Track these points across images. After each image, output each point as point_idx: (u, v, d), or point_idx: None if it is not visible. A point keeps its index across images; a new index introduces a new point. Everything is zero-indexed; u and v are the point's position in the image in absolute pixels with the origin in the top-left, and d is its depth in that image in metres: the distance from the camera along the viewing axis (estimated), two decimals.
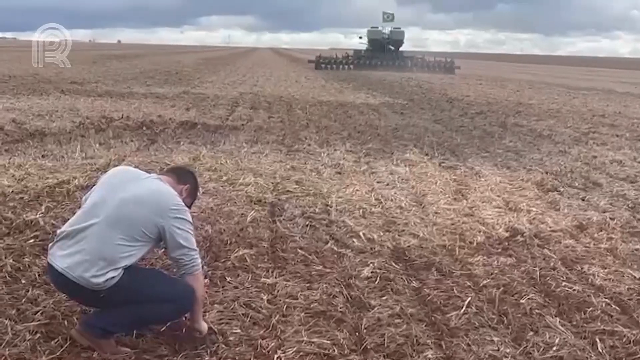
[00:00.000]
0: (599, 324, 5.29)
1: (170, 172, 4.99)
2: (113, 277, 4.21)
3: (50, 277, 4.55)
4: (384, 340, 4.84)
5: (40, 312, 4.93)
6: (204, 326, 4.69)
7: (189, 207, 4.86)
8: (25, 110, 16.85)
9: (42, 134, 13.29)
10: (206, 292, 5.29)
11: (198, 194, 5.25)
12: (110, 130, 14.20)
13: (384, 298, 5.60)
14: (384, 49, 66.62)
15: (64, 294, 4.81)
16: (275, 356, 4.53)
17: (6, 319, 4.75)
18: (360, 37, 70.51)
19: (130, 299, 4.33)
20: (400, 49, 68.58)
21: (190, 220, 4.58)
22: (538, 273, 6.34)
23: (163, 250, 5.11)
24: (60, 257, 4.28)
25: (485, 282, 6.05)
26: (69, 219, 6.87)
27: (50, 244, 4.54)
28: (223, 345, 4.65)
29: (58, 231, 4.55)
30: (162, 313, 4.53)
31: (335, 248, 6.83)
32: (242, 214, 7.84)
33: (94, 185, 4.84)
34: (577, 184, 10.64)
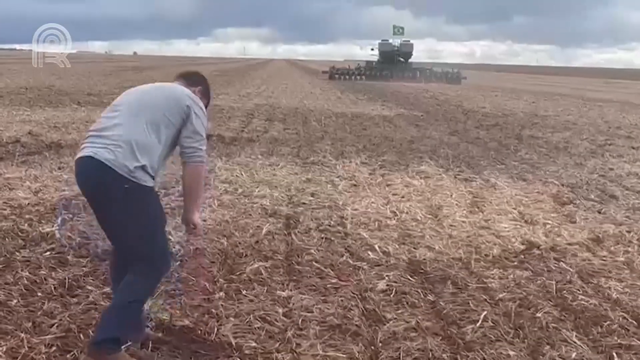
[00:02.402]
0: (615, 338, 5.25)
1: (180, 78, 4.97)
2: (143, 168, 4.26)
3: (78, 169, 4.42)
4: (400, 354, 4.82)
5: (56, 325, 4.94)
6: (198, 219, 4.65)
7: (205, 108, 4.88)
8: (41, 122, 16.96)
9: (59, 145, 13.37)
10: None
11: (211, 97, 5.16)
12: None
13: (399, 311, 5.58)
14: (394, 60, 69.07)
15: (85, 191, 4.54)
16: None
17: (22, 332, 4.76)
18: (372, 49, 72.93)
19: (136, 221, 4.33)
20: (410, 60, 70.98)
21: (205, 112, 4.64)
22: (554, 286, 6.30)
23: None
24: (91, 148, 4.30)
25: (501, 295, 6.02)
26: (85, 232, 6.95)
27: (80, 147, 4.48)
28: (238, 359, 4.64)
29: (86, 133, 4.54)
30: (149, 283, 4.50)
31: (350, 261, 6.83)
32: (258, 226, 7.86)
33: None
34: (593, 197, 10.59)
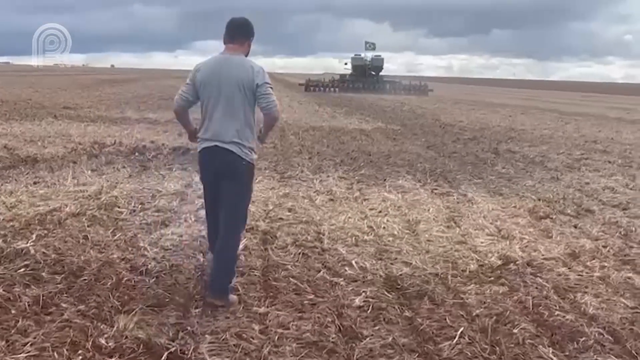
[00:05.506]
0: (592, 354, 5.27)
1: (232, 39, 6.02)
2: (251, 152, 5.95)
3: (209, 153, 5.98)
4: None
5: (30, 343, 4.87)
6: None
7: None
8: (17, 136, 16.87)
9: (34, 160, 13.29)
10: None
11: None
12: (103, 156, 14.20)
13: (376, 328, 5.57)
14: (365, 74, 72.69)
15: (213, 166, 6.04)
16: None
17: None
18: (346, 64, 76.28)
19: (243, 190, 6.13)
20: (380, 73, 74.90)
21: (264, 71, 5.92)
22: (531, 302, 6.32)
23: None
24: (216, 142, 5.87)
25: (478, 311, 6.02)
26: (60, 248, 6.89)
27: (199, 143, 6.06)
28: None
29: (204, 135, 5.98)
30: (241, 235, 6.56)
31: (327, 277, 6.81)
32: None
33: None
34: (569, 211, 10.63)
